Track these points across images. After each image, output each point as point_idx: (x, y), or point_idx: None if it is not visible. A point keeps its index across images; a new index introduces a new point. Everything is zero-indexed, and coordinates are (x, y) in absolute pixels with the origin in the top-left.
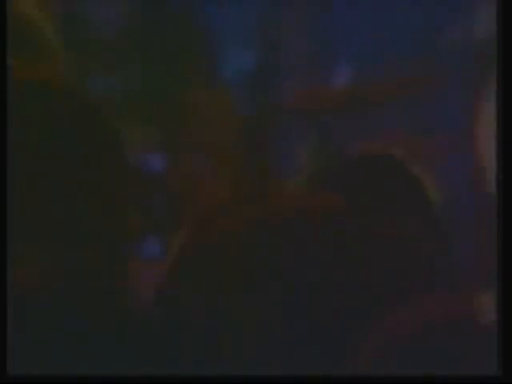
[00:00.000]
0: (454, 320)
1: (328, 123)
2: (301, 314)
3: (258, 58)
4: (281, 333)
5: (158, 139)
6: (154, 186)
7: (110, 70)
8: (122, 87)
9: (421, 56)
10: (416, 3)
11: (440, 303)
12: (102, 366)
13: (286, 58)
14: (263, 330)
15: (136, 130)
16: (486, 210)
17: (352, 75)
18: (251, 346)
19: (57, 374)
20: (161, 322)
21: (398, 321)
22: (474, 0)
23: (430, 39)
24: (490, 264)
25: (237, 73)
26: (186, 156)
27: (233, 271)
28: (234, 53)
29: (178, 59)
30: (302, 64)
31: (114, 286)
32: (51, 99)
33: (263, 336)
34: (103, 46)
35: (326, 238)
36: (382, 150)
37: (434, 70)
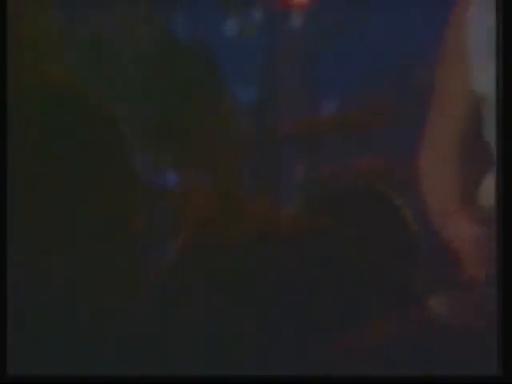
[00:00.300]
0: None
1: (317, 146)
2: (300, 313)
3: (259, 92)
4: (280, 333)
5: (165, 157)
6: (157, 195)
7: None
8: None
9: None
10: (395, 40)
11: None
12: (102, 366)
13: (283, 92)
14: (263, 330)
15: (149, 148)
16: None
17: (338, 106)
18: (251, 346)
19: (56, 374)
20: (161, 322)
21: (396, 322)
22: None
23: (412, 71)
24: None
25: (240, 104)
26: (190, 172)
27: (232, 273)
28: (238, 87)
29: (188, 90)
30: (296, 98)
31: (115, 286)
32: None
33: (263, 336)
34: (120, 73)
35: (319, 248)
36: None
37: (414, 101)
